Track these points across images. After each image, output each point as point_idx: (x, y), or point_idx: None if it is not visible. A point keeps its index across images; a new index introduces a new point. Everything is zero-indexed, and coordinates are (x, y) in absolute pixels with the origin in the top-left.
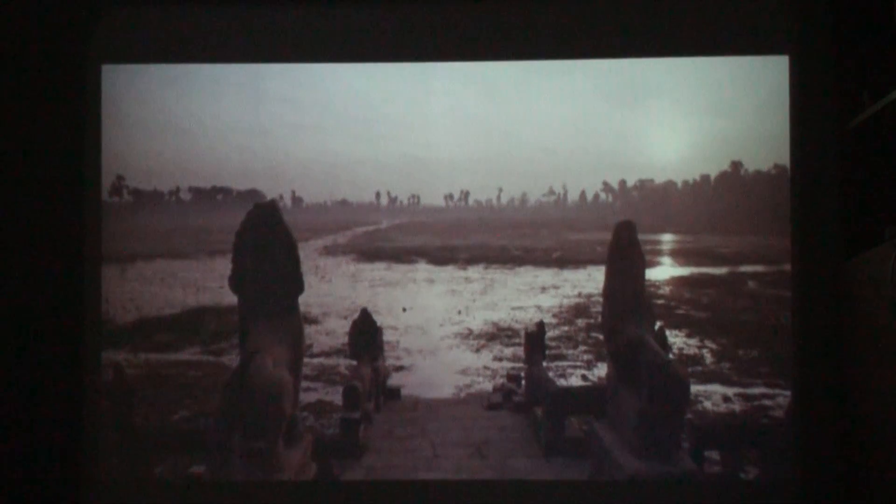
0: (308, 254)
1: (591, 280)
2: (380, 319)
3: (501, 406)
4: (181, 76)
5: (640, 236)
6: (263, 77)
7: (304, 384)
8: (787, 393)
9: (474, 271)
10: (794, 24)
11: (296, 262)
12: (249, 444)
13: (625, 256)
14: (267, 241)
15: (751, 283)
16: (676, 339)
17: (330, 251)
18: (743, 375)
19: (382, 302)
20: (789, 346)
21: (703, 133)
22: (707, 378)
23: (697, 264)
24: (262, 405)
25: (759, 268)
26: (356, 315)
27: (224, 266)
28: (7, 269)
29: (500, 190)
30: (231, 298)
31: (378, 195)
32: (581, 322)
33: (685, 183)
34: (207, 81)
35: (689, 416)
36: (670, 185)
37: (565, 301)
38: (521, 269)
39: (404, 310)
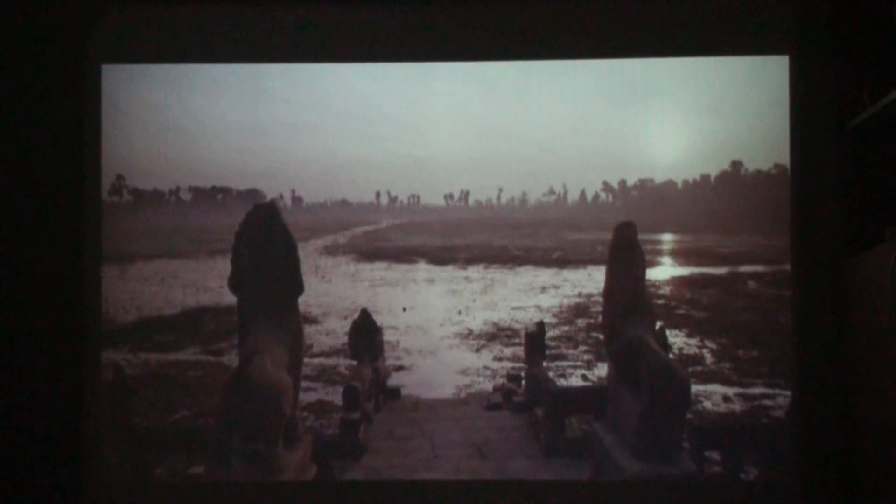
0: (308, 253)
1: (591, 280)
2: (380, 319)
3: (501, 406)
4: (181, 76)
5: (640, 236)
6: (263, 77)
7: (304, 384)
8: (788, 393)
9: (474, 271)
10: (794, 24)
11: (295, 263)
12: (249, 445)
13: (625, 257)
14: (266, 241)
15: (751, 283)
16: (676, 338)
17: (330, 251)
18: (743, 375)
19: (382, 302)
20: (789, 346)
21: (703, 133)
22: (707, 378)
23: (697, 264)
24: (261, 406)
25: (759, 268)
26: (356, 315)
27: (224, 266)
28: (7, 268)
29: (501, 190)
30: (231, 298)
31: (378, 195)
32: (581, 322)
33: (685, 182)
34: (207, 81)
35: (689, 416)
36: (670, 184)
37: (565, 301)
38: (521, 269)
39: (404, 310)
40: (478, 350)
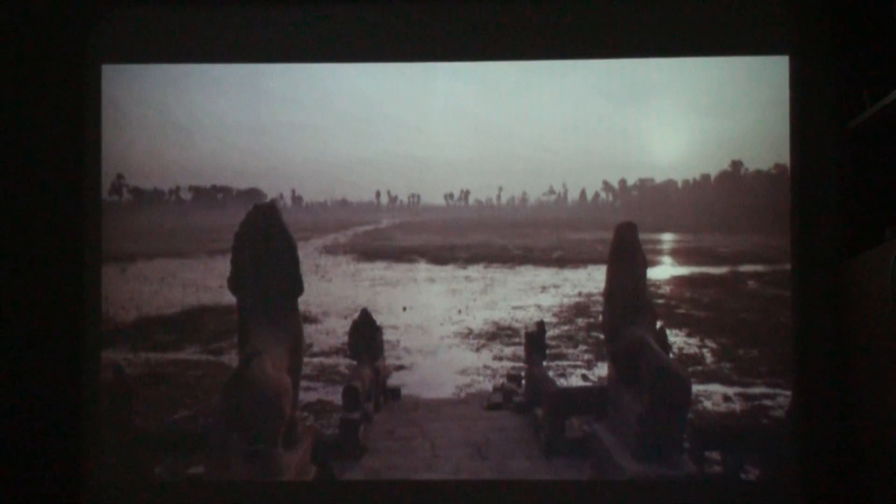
0: (308, 253)
1: (591, 279)
2: (380, 319)
3: (502, 406)
4: (181, 75)
5: (641, 236)
6: (263, 76)
7: (304, 383)
8: (788, 393)
9: (474, 270)
10: (794, 24)
11: (295, 263)
12: (249, 446)
13: (626, 257)
14: (266, 242)
15: (751, 283)
16: (677, 338)
17: (330, 250)
18: (743, 375)
19: (382, 301)
20: (789, 345)
21: (704, 132)
22: (707, 378)
23: (698, 264)
24: (261, 407)
25: (759, 267)
26: (356, 314)
27: (224, 265)
28: (7, 268)
29: (501, 189)
30: (231, 297)
31: (378, 194)
32: (581, 321)
33: (685, 182)
34: (207, 81)
35: (689, 416)
36: (670, 184)
37: (565, 300)
38: (522, 269)
39: (404, 309)
40: (478, 349)
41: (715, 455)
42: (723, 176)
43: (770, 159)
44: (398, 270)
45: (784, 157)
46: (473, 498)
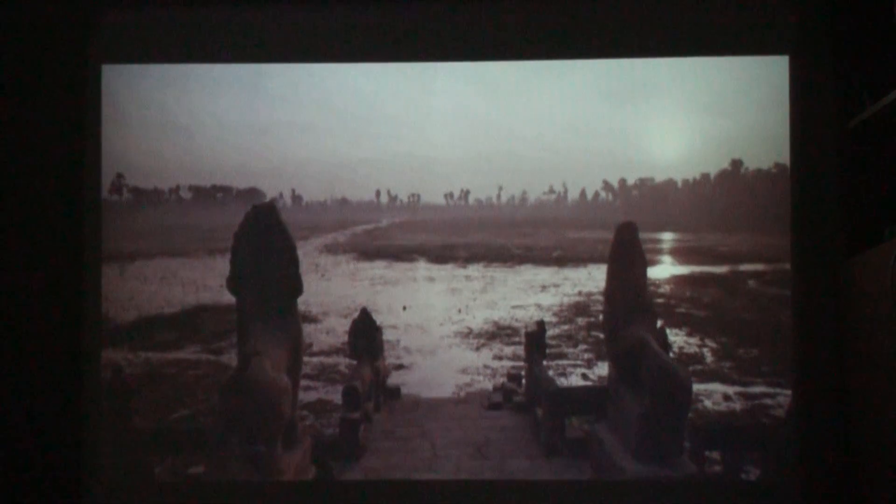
0: (308, 252)
1: (591, 278)
2: (380, 318)
3: (502, 406)
4: (181, 75)
5: (641, 235)
6: (263, 76)
7: (305, 383)
8: (788, 392)
9: (474, 270)
10: (794, 24)
11: (294, 264)
12: (248, 447)
13: (626, 258)
14: (265, 242)
15: (751, 282)
16: (677, 337)
17: (330, 249)
18: (743, 374)
19: (382, 300)
20: (789, 344)
21: (703, 131)
22: (707, 377)
23: (698, 263)
24: (260, 409)
25: (759, 266)
26: (356, 314)
27: (224, 264)
28: (7, 267)
29: (501, 188)
30: (231, 297)
31: (378, 194)
32: (581, 321)
33: (685, 181)
34: (207, 80)
35: (689, 415)
36: (670, 183)
37: (565, 299)
38: (521, 268)
39: (404, 308)
40: (478, 349)
41: (715, 455)
42: (723, 175)
43: (770, 158)
44: (398, 270)
45: (784, 156)
46: (473, 498)
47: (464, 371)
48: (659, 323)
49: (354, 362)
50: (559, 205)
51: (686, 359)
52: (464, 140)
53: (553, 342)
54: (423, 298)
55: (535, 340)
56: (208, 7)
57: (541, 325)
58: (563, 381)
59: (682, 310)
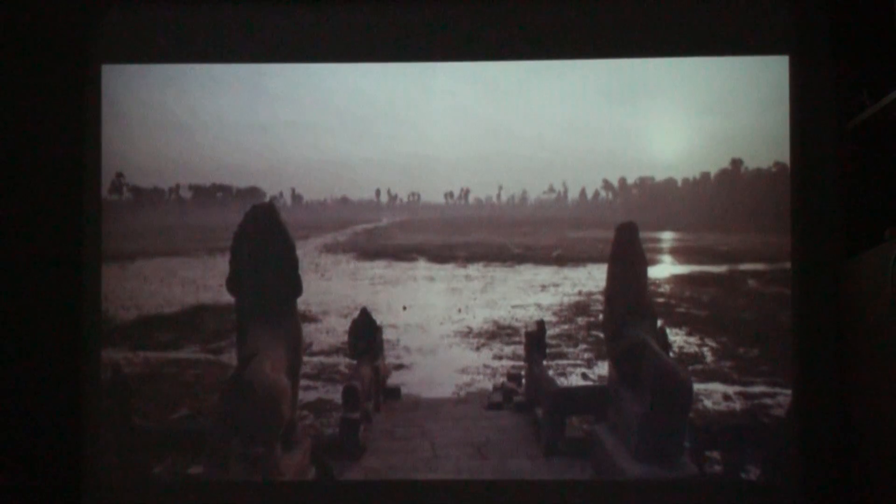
0: (308, 251)
1: (591, 278)
2: (380, 318)
3: (502, 405)
4: (181, 74)
5: (641, 234)
6: (263, 75)
7: (304, 382)
8: (788, 392)
9: (474, 269)
10: (794, 24)
11: (294, 264)
12: (247, 448)
13: (626, 258)
14: (265, 242)
15: (751, 282)
16: (676, 337)
17: (330, 249)
18: (743, 374)
19: (382, 300)
20: (790, 344)
21: (703, 131)
22: (707, 376)
23: (698, 262)
24: (259, 410)
25: (759, 266)
26: (356, 314)
27: (224, 264)
28: (7, 267)
29: (501, 188)
30: (231, 296)
31: (378, 193)
32: (581, 320)
33: (685, 180)
34: (207, 79)
35: (690, 415)
36: (670, 182)
37: (565, 299)
38: (522, 267)
39: (404, 308)
40: (478, 348)
41: (715, 454)
42: (723, 174)
43: (770, 158)
44: (398, 269)
45: (784, 156)
46: (473, 498)
47: (464, 371)
48: (659, 322)
49: (354, 362)
50: (559, 204)
51: (686, 358)
52: (464, 139)
53: (553, 342)
54: (423, 298)
55: (535, 340)
56: (208, 7)
57: (541, 324)
58: (563, 381)
59: (682, 309)
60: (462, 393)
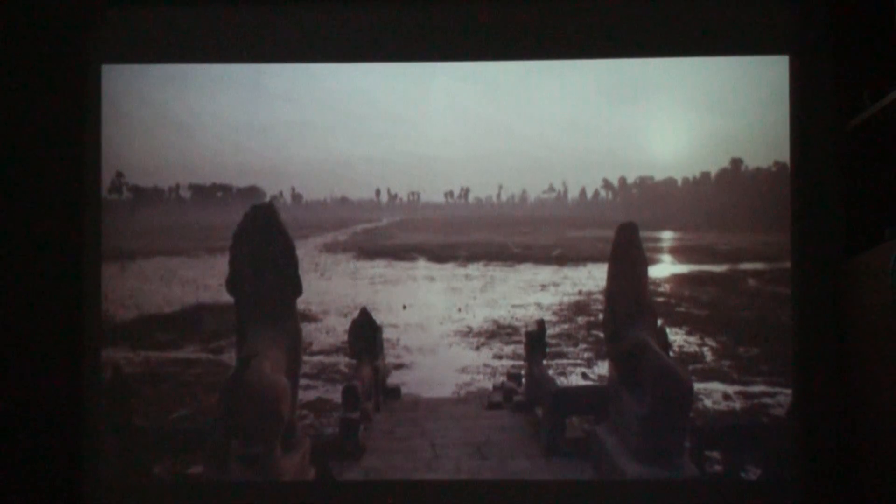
0: (308, 251)
1: (591, 277)
2: (379, 317)
3: (502, 405)
4: (181, 74)
5: (640, 234)
6: (263, 75)
7: (304, 382)
8: (788, 391)
9: (474, 268)
10: (794, 24)
11: (293, 264)
12: (247, 449)
13: (627, 258)
14: (264, 242)
15: (751, 281)
16: (676, 336)
17: (330, 248)
18: (743, 373)
19: (382, 299)
20: (790, 343)
21: (703, 130)
22: (707, 376)
23: (697, 261)
24: (259, 410)
25: (759, 265)
26: (356, 313)
27: (224, 263)
28: (7, 267)
29: (500, 187)
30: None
31: (378, 192)
32: (581, 320)
33: (685, 180)
34: (207, 79)
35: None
36: (670, 182)
37: (565, 298)
38: (521, 267)
39: (404, 307)
40: (478, 348)
41: (715, 454)
42: (723, 173)
43: (770, 157)
44: (398, 268)
45: (784, 155)
46: (473, 498)
47: (464, 370)
48: (659, 322)
49: (354, 362)
50: (559, 203)
51: (686, 358)
52: (463, 139)
53: (553, 341)
54: (423, 297)
55: (535, 340)
56: (208, 7)
57: (541, 324)
58: (563, 381)
59: (682, 308)
60: (462, 392)
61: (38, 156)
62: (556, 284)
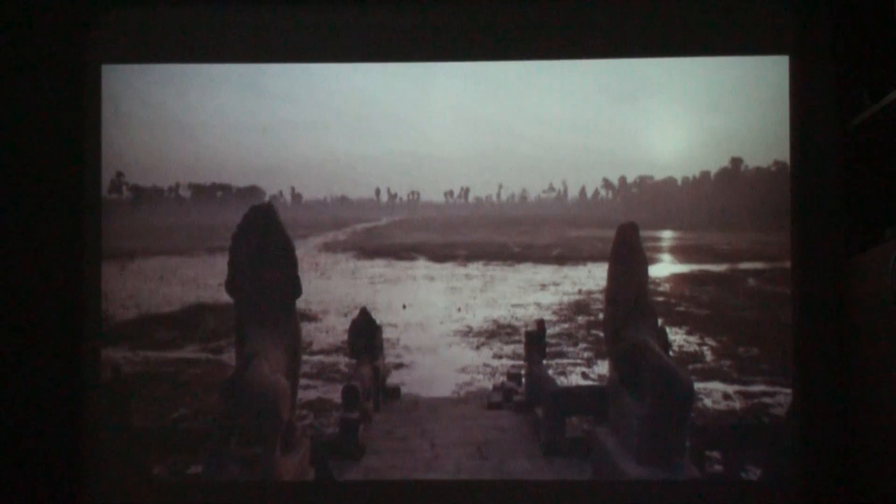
0: (307, 251)
1: (591, 277)
2: (379, 317)
3: (502, 405)
4: (180, 73)
5: (640, 233)
6: (263, 74)
7: (304, 382)
8: (788, 391)
9: (474, 268)
10: (794, 24)
11: (293, 265)
12: (246, 450)
13: (627, 258)
14: (264, 243)
15: (751, 280)
16: (676, 336)
17: (329, 248)
18: (743, 373)
19: (382, 299)
20: (790, 343)
21: (703, 129)
22: (707, 375)
23: (697, 261)
24: (258, 411)
25: (759, 265)
26: (356, 313)
27: (224, 263)
28: (7, 266)
29: (500, 186)
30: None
31: (378, 192)
32: (581, 319)
33: (685, 179)
34: (207, 79)
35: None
36: (670, 181)
37: (565, 298)
38: (521, 266)
39: (404, 307)
40: (478, 347)
41: (715, 454)
42: (723, 173)
43: (770, 156)
44: (398, 268)
45: (784, 154)
46: (473, 498)
47: (463, 370)
48: (659, 322)
49: (354, 361)
50: (559, 203)
51: (686, 357)
52: (463, 138)
53: (553, 341)
54: (423, 297)
55: (535, 339)
56: (208, 7)
57: (541, 323)
58: (562, 381)
59: (682, 308)
60: (462, 392)
61: (38, 155)
62: (555, 284)
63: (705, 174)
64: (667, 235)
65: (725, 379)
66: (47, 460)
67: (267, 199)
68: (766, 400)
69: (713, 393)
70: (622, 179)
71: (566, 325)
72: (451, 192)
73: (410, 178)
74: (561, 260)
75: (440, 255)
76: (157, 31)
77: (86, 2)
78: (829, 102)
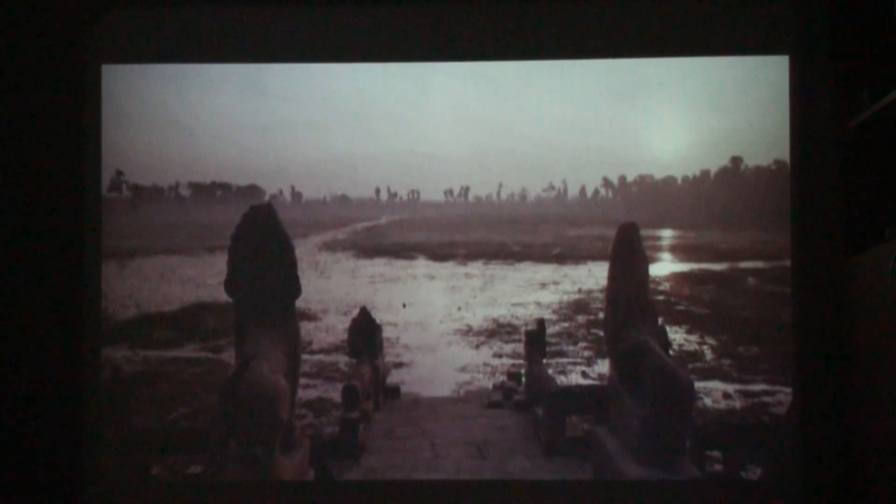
0: (307, 250)
1: (591, 276)
2: (379, 316)
3: (502, 404)
4: (181, 73)
5: (640, 232)
6: (263, 74)
7: (304, 381)
8: (788, 390)
9: (474, 267)
10: (794, 24)
11: (292, 265)
12: (245, 450)
13: (627, 258)
14: (263, 243)
15: (751, 280)
16: (676, 335)
17: (329, 247)
18: (743, 372)
19: (382, 298)
20: (790, 342)
21: (703, 129)
22: (707, 375)
23: (697, 260)
24: (258, 412)
25: (759, 264)
26: (356, 312)
27: (223, 262)
28: (7, 265)
29: (500, 185)
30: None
31: (378, 191)
32: (581, 318)
33: (685, 178)
34: (207, 78)
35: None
36: (670, 180)
37: (565, 297)
38: (521, 265)
39: (404, 306)
40: (478, 347)
41: (715, 454)
42: (722, 172)
43: (770, 155)
44: (397, 267)
45: (784, 154)
46: (473, 498)
47: (463, 369)
48: (659, 321)
49: (354, 361)
50: (559, 202)
51: (685, 357)
52: (463, 137)
53: (553, 340)
54: (423, 296)
55: (535, 339)
56: (208, 7)
57: (541, 323)
58: (562, 380)
59: (682, 307)
60: (462, 392)
61: (39, 155)
62: (555, 283)
63: (705, 173)
64: (667, 234)
65: (725, 378)
66: (47, 460)
67: (267, 198)
68: (766, 399)
69: (713, 392)
70: (622, 178)
71: (566, 325)
72: (450, 192)
73: (410, 178)
74: (561, 259)
75: (440, 254)
76: (157, 31)
77: (86, 2)
78: (828, 102)
